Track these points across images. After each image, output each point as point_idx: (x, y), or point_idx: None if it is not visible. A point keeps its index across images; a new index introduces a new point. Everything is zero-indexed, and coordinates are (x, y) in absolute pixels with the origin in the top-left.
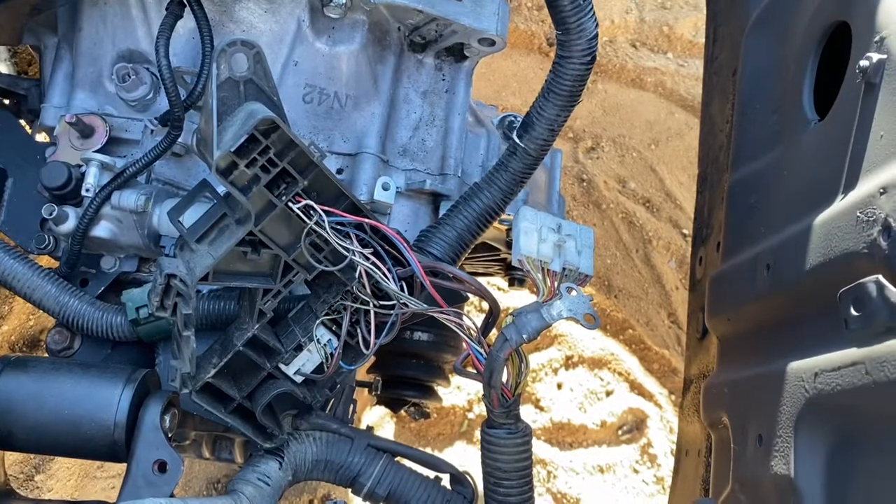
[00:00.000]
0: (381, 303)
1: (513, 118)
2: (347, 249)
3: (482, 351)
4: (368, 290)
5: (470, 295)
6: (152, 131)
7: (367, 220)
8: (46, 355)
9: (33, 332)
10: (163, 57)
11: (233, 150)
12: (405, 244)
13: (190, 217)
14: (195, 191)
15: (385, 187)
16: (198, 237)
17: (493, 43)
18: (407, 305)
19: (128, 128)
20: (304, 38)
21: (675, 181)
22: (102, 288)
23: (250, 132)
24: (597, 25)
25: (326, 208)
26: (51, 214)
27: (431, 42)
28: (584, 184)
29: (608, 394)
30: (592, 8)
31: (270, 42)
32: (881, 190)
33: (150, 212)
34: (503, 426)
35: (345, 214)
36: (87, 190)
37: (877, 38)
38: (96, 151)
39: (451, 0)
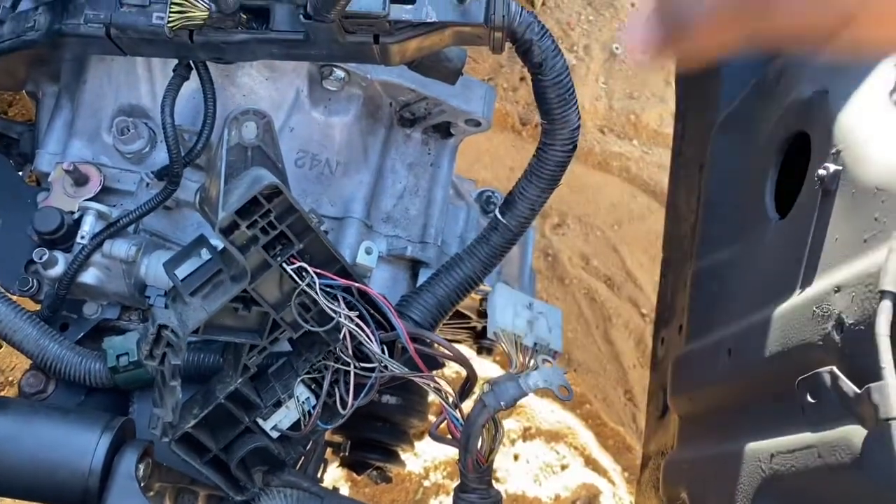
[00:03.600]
0: (362, 364)
1: (490, 193)
2: (335, 311)
3: (459, 417)
4: (350, 352)
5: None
6: (148, 184)
7: (356, 284)
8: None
9: None
10: (168, 116)
11: (236, 211)
12: (391, 310)
13: (183, 270)
14: (192, 246)
15: (368, 251)
16: (192, 291)
17: (478, 124)
18: (387, 368)
19: (120, 178)
20: (302, 107)
21: (636, 262)
22: (82, 333)
23: (255, 196)
24: (579, 117)
25: (318, 271)
26: (41, 258)
27: (420, 119)
28: (550, 258)
29: (563, 468)
30: (576, 101)
31: (269, 108)
32: (835, 288)
33: (138, 262)
34: (476, 491)
35: (336, 278)
36: (82, 237)
37: (833, 150)
38: (89, 200)
39: (442, 83)
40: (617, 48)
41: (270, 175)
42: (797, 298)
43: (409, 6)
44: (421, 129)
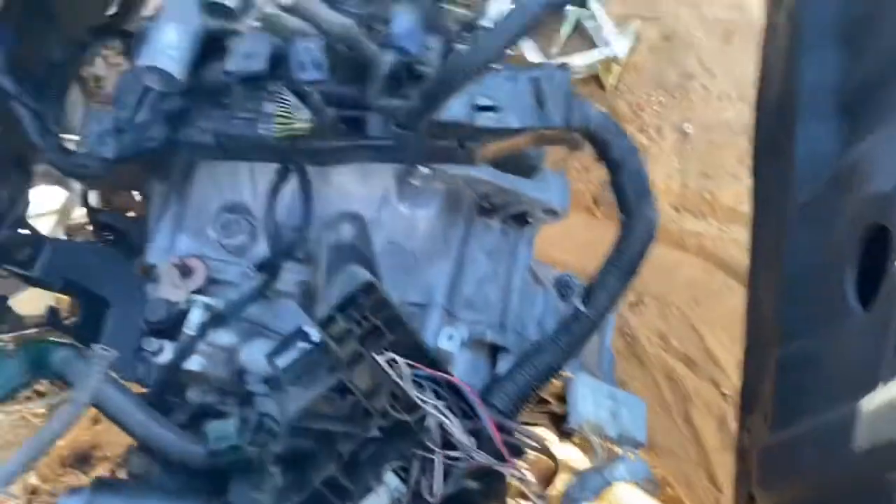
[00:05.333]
0: (449, 453)
1: (567, 278)
2: (424, 402)
3: None
4: (437, 440)
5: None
6: (249, 276)
7: (444, 376)
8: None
9: (85, 448)
10: (270, 214)
11: (335, 306)
12: (477, 400)
13: (283, 360)
14: (291, 337)
15: (450, 338)
16: (291, 380)
17: (555, 213)
18: (473, 457)
19: (223, 270)
20: (390, 203)
21: (716, 340)
22: (185, 417)
23: (353, 292)
24: (656, 211)
25: (409, 362)
26: (150, 346)
27: (499, 208)
28: (627, 337)
29: None
30: (653, 196)
31: (360, 204)
32: None
33: (239, 349)
34: None
35: (425, 369)
36: (190, 328)
37: None
38: (195, 292)
39: (520, 176)
40: (688, 128)
41: (366, 273)
42: (883, 392)
43: (493, 114)
44: (499, 218)
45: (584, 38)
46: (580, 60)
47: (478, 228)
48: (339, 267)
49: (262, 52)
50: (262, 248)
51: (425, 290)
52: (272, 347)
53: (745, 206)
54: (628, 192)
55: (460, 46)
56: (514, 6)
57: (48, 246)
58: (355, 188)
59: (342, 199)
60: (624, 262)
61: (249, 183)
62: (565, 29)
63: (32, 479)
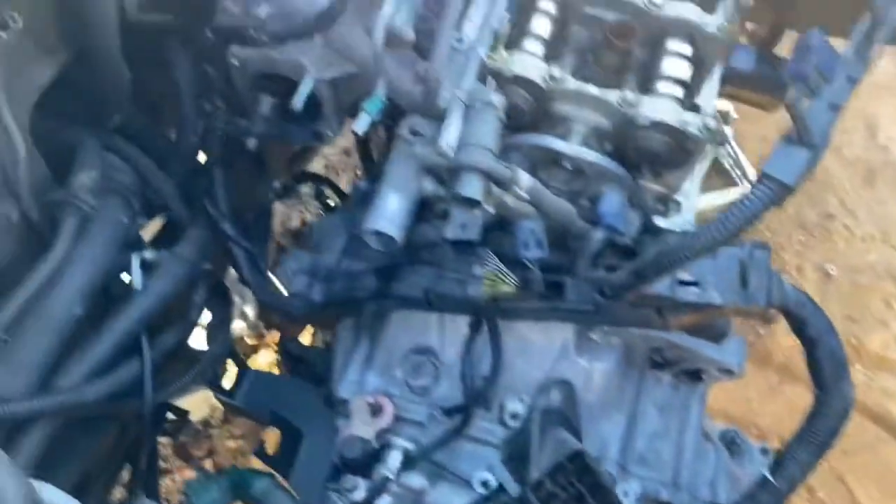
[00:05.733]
0: None
1: (734, 434)
2: None
3: None
4: None
5: None
6: (438, 421)
7: None
8: None
9: None
10: (467, 366)
11: (547, 473)
12: None
13: None
14: (495, 493)
15: (625, 494)
16: None
17: (731, 373)
18: None
19: (406, 408)
20: (568, 355)
21: (866, 494)
22: None
23: (563, 461)
24: (853, 388)
25: None
26: (346, 483)
27: (671, 363)
28: None
29: None
30: (849, 374)
31: (538, 353)
32: None
33: (428, 493)
34: None
35: None
36: (388, 469)
37: None
38: (385, 431)
39: (708, 341)
40: (831, 269)
41: (574, 440)
42: None
43: (695, 289)
44: (671, 372)
45: (722, 175)
46: (719, 199)
47: (649, 382)
48: (548, 431)
49: (476, 223)
50: (443, 391)
51: (599, 444)
52: (462, 494)
53: (894, 354)
54: (825, 369)
55: (657, 219)
56: (738, 200)
57: (249, 375)
58: (535, 337)
59: (521, 347)
60: (818, 437)
61: (437, 328)
62: (704, 167)
63: None
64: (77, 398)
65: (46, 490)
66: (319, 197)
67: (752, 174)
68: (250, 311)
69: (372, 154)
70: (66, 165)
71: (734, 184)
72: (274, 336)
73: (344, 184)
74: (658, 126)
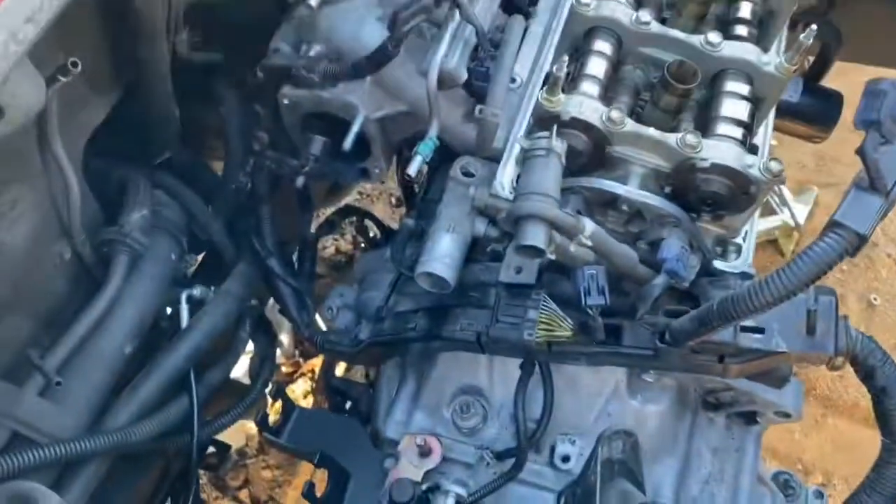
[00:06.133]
0: None
1: (787, 476)
2: None
3: None
4: None
5: None
6: (488, 463)
7: None
8: None
9: None
10: (520, 409)
11: None
12: None
13: None
14: None
15: None
16: None
17: (788, 415)
18: None
19: (455, 449)
20: (620, 395)
21: None
22: None
23: None
24: None
25: None
26: None
27: (725, 405)
28: None
29: None
30: None
31: (589, 394)
32: None
33: None
34: None
35: None
36: None
37: None
38: (431, 471)
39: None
40: (875, 299)
41: (637, 492)
42: None
43: (759, 335)
44: (724, 413)
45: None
46: (759, 226)
47: (702, 423)
48: (611, 482)
49: (533, 267)
50: (491, 432)
51: (652, 487)
52: None
53: None
54: (894, 418)
55: (717, 263)
56: (807, 248)
57: (295, 412)
58: (586, 377)
59: (571, 388)
60: (887, 488)
61: (486, 369)
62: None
63: None
64: (127, 438)
65: None
66: (361, 231)
67: (791, 201)
68: (286, 339)
69: (414, 188)
70: (115, 201)
71: (773, 212)
72: (310, 364)
73: (379, 210)
74: (719, 169)
